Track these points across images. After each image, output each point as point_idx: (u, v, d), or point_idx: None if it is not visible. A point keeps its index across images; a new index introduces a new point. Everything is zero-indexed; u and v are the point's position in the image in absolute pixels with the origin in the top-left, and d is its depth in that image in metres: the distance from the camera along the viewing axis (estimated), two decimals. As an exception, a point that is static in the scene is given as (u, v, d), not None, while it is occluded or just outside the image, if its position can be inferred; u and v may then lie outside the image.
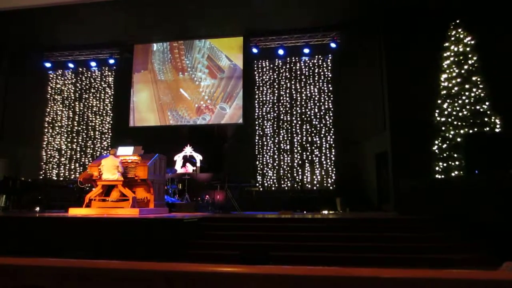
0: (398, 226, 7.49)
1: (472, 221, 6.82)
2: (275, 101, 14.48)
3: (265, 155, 14.20)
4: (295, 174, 13.84)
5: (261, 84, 14.70)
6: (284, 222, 8.06)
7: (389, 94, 11.46)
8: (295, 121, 14.19)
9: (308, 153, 13.90)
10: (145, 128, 15.17)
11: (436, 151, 9.27)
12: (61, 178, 15.31)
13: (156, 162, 9.45)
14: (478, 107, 8.78)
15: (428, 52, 10.29)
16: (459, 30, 9.47)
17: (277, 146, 14.18)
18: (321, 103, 14.10)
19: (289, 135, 14.17)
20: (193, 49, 15.38)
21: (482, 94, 8.87)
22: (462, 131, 8.73)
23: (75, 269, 1.53)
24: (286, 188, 13.76)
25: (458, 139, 8.69)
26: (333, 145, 13.76)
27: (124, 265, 1.50)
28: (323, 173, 13.65)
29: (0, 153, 14.39)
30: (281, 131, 14.24)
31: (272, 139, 14.27)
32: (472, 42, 9.27)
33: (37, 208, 10.83)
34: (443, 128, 9.18)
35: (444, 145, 9.05)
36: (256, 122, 14.46)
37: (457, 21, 9.59)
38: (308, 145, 13.95)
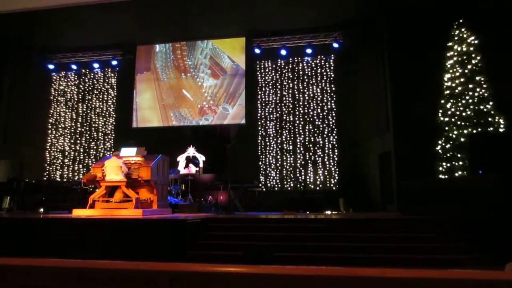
0: (401, 226, 7.46)
1: (476, 221, 6.79)
2: (278, 101, 14.48)
3: (268, 156, 14.21)
4: (298, 175, 13.83)
5: (263, 85, 14.71)
6: (287, 222, 8.06)
7: (392, 94, 11.44)
8: (297, 122, 14.18)
9: (311, 154, 13.89)
10: (148, 129, 15.20)
11: (440, 151, 9.23)
12: (65, 179, 15.37)
13: (159, 163, 9.47)
14: (481, 107, 8.74)
15: (431, 52, 10.26)
16: (463, 29, 9.44)
17: (280, 146, 14.18)
18: (323, 104, 14.10)
19: (292, 135, 14.17)
20: (195, 50, 15.41)
21: (485, 94, 8.83)
22: (465, 131, 8.69)
23: (79, 269, 1.54)
24: (289, 188, 13.75)
25: (462, 139, 8.65)
26: (336, 145, 13.75)
27: (128, 265, 1.51)
28: (326, 173, 13.64)
29: (4, 155, 14.45)
30: (284, 132, 14.23)
31: (275, 139, 14.27)
32: (476, 41, 9.24)
33: (41, 209, 10.87)
34: (447, 128, 9.14)
35: (448, 145, 9.01)
36: (259, 123, 14.47)
37: (461, 21, 9.55)
38: (311, 145, 13.95)
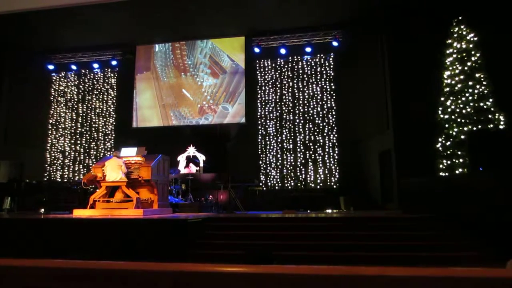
0: (402, 224, 7.48)
1: (476, 219, 6.79)
2: (278, 100, 14.47)
3: (268, 155, 14.20)
4: (298, 173, 13.82)
5: (263, 84, 14.70)
6: (288, 221, 8.06)
7: (392, 92, 11.43)
8: (297, 120, 14.17)
9: (311, 152, 13.88)
10: (148, 129, 15.20)
11: (440, 148, 9.23)
12: (65, 180, 15.37)
13: (159, 162, 9.47)
14: (481, 104, 8.73)
15: (430, 49, 10.25)
16: (462, 27, 9.43)
17: (280, 145, 14.18)
18: (323, 102, 14.09)
19: (292, 134, 14.16)
20: (195, 50, 15.40)
21: (485, 91, 8.83)
22: (465, 128, 8.69)
23: (80, 270, 1.54)
24: (289, 187, 13.75)
25: (462, 137, 8.65)
26: (336, 143, 13.74)
27: (130, 265, 1.50)
28: (326, 172, 13.64)
29: (5, 155, 14.45)
30: (284, 130, 14.23)
31: (275, 138, 14.26)
32: (475, 38, 9.23)
33: (42, 210, 10.87)
34: (447, 125, 9.14)
35: (448, 143, 9.01)
36: (259, 122, 14.46)
37: (460, 18, 9.55)
38: (311, 144, 13.94)
